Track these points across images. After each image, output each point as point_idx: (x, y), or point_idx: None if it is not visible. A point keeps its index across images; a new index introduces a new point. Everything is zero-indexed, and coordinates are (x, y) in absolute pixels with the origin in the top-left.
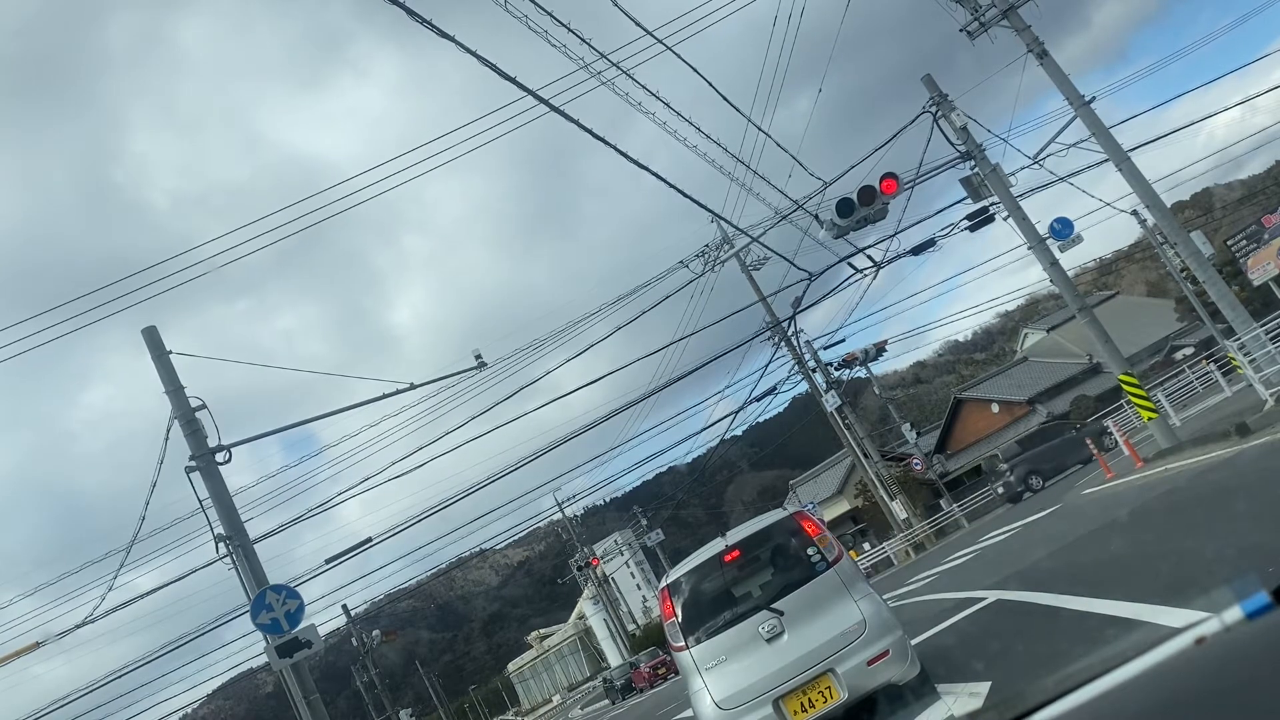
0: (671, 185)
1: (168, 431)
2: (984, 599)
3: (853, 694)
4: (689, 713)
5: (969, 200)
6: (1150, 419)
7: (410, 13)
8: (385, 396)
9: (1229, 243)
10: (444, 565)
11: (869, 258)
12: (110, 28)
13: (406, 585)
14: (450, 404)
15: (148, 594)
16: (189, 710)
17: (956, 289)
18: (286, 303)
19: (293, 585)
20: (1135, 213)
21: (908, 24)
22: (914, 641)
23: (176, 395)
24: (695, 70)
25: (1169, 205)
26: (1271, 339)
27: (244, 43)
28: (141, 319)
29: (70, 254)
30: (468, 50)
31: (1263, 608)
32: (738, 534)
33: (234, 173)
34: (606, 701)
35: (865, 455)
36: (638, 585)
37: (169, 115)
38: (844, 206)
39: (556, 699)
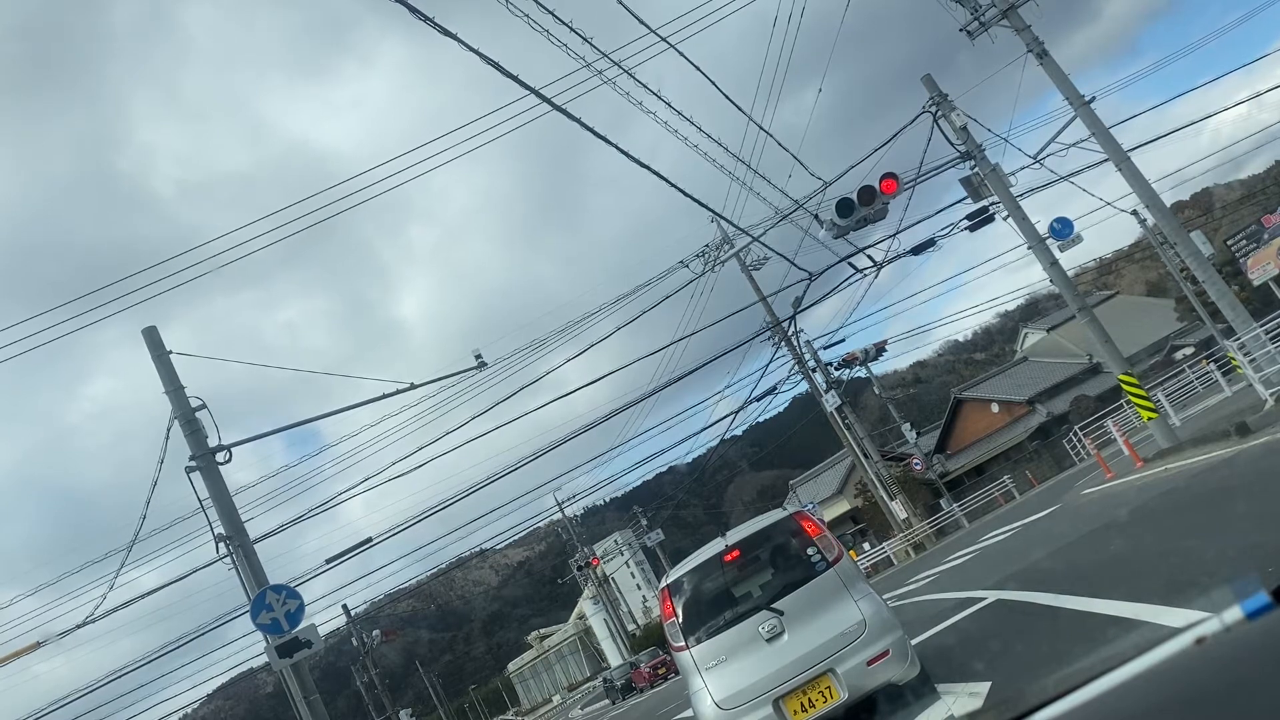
0: (672, 184)
1: (168, 431)
2: (984, 599)
3: (853, 694)
4: (689, 713)
5: (969, 200)
6: (1150, 419)
7: (414, 10)
8: (386, 396)
9: (1229, 243)
10: (444, 565)
11: (869, 257)
12: (115, 14)
13: (406, 585)
14: (451, 403)
15: (149, 594)
16: (189, 710)
17: (957, 289)
18: (289, 294)
19: (293, 585)
20: (1135, 213)
21: (908, 23)
22: (914, 641)
23: (176, 395)
24: (697, 68)
25: (1169, 205)
26: (1271, 339)
27: (249, 30)
28: (144, 313)
29: (75, 242)
30: (470, 49)
31: (1263, 608)
32: (738, 534)
33: (239, 161)
34: (606, 701)
35: (865, 455)
36: (638, 585)
37: (174, 103)
38: (844, 206)
39: (556, 699)
